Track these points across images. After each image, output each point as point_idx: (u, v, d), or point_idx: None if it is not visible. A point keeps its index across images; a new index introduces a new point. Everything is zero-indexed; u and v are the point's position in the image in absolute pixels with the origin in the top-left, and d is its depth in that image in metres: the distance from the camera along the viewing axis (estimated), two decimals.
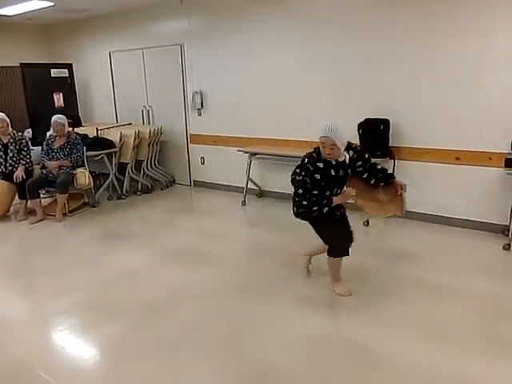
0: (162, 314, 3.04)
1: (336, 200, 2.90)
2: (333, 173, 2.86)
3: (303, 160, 2.95)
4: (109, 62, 7.25)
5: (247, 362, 2.47)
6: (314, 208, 2.86)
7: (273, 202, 5.69)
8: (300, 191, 2.88)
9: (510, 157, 3.88)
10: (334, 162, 2.87)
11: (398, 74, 4.57)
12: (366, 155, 3.12)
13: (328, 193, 2.88)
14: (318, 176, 2.82)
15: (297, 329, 2.79)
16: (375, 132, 4.68)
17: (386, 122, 4.64)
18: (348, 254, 3.05)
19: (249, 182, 5.75)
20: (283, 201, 5.63)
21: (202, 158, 6.57)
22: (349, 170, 3.00)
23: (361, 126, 4.76)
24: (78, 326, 2.95)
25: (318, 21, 4.97)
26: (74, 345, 2.79)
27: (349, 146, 3.00)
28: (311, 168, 2.84)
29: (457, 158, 4.40)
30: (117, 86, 7.32)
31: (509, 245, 3.92)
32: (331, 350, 2.56)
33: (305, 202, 2.87)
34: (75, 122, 6.75)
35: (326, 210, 2.87)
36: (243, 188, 5.73)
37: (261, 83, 5.63)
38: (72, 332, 2.89)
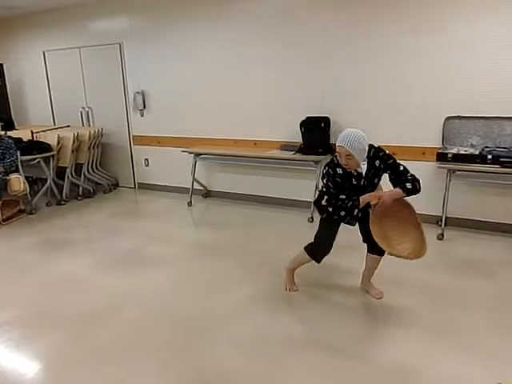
0: (103, 322, 2.94)
1: (364, 199, 2.69)
2: (354, 182, 2.72)
3: (324, 168, 2.79)
4: (43, 61, 6.93)
5: (194, 366, 2.45)
6: (342, 213, 2.71)
7: (219, 202, 5.68)
8: (325, 197, 2.75)
9: (440, 151, 4.11)
10: (354, 173, 2.71)
11: (338, 73, 4.72)
12: (401, 167, 2.71)
13: (354, 197, 2.70)
14: (338, 179, 2.69)
15: (246, 329, 2.80)
16: (316, 130, 4.80)
17: (326, 120, 4.77)
18: (319, 262, 3.00)
19: (194, 183, 5.70)
20: (229, 200, 5.65)
21: (146, 159, 6.44)
22: (376, 180, 2.77)
23: (303, 123, 4.87)
24: (15, 340, 2.79)
25: (259, 20, 5.02)
26: (11, 360, 2.63)
27: (375, 154, 2.72)
28: (331, 172, 2.70)
29: (392, 153, 4.58)
30: (53, 87, 7.01)
31: (442, 234, 4.16)
32: (270, 347, 2.60)
33: (330, 209, 2.74)
34: (7, 124, 6.39)
35: (355, 212, 2.69)
36: (189, 189, 5.67)
37: (204, 83, 5.61)
38: (8, 346, 2.73)
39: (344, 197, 2.68)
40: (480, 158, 3.89)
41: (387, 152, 2.75)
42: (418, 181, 2.68)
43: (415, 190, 2.66)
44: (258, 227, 4.67)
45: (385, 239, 2.74)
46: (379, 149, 2.75)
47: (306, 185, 5.07)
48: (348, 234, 2.98)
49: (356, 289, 3.23)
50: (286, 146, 5.05)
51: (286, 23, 4.87)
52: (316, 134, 4.81)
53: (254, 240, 4.31)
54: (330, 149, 4.78)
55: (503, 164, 3.78)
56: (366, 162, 2.69)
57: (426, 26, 4.19)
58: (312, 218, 4.79)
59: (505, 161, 3.77)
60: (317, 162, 4.74)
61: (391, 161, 2.72)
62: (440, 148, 4.23)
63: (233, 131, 5.51)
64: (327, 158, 4.79)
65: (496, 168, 3.80)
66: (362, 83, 4.61)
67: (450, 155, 4.01)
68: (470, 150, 4.04)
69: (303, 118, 4.88)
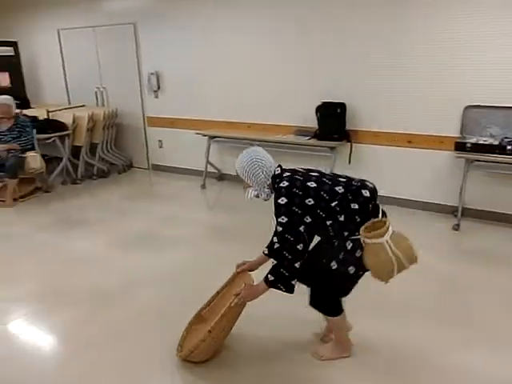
0: (117, 300, 3.00)
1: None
2: None
3: None
4: (58, 40, 6.91)
5: None
6: None
7: (232, 185, 5.68)
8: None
9: (459, 140, 4.05)
10: None
11: (355, 57, 4.63)
12: (278, 219, 2.07)
13: None
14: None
15: (259, 310, 2.82)
16: (332, 115, 4.75)
17: (342, 106, 4.71)
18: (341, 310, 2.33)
19: (208, 166, 5.71)
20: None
21: (160, 141, 6.44)
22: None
23: (318, 109, 4.82)
24: (31, 315, 2.86)
25: (275, 2, 4.93)
26: (29, 332, 2.72)
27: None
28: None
29: (409, 141, 4.55)
30: (68, 66, 7.00)
31: (458, 225, 4.13)
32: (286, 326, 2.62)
33: None
34: (23, 103, 6.41)
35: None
36: (203, 171, 5.68)
37: (218, 65, 5.55)
38: (24, 321, 2.81)
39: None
40: (499, 149, 3.83)
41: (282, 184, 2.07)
42: (281, 257, 2.05)
43: (277, 281, 2.07)
44: (272, 211, 4.66)
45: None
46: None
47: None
48: None
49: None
50: (300, 131, 5.01)
51: (301, 6, 4.78)
52: (332, 119, 4.76)
53: (267, 223, 4.31)
54: (345, 135, 4.74)
55: None
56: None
57: (449, 12, 4.08)
58: None
59: None
60: (332, 148, 4.71)
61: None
62: (459, 137, 4.17)
63: (248, 115, 5.47)
64: (343, 145, 4.77)
65: None
66: (380, 69, 4.52)
67: (468, 145, 3.95)
68: (490, 140, 3.98)
69: (319, 103, 4.83)
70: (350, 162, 4.84)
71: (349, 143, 4.78)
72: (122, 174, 6.40)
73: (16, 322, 2.80)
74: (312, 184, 2.05)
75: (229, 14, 5.28)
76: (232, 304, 2.19)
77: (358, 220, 2.02)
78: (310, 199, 2.01)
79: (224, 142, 5.57)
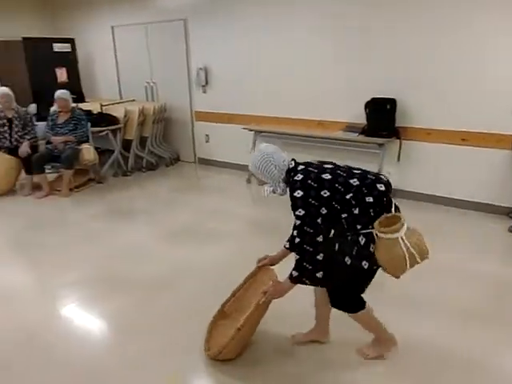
0: (164, 289, 3.10)
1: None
2: None
3: None
4: (112, 36, 7.15)
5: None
6: None
7: None
8: None
9: None
10: None
11: (407, 53, 4.51)
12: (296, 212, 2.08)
13: None
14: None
15: (295, 306, 2.83)
16: (382, 112, 4.65)
17: (392, 102, 4.60)
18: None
19: None
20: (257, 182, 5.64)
21: (207, 135, 6.54)
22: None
23: (367, 104, 4.73)
24: (85, 299, 3.01)
25: None
26: (81, 316, 2.86)
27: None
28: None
29: (463, 139, 4.38)
30: (120, 61, 7.24)
31: None
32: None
33: None
34: (79, 97, 6.70)
35: None
36: (248, 166, 5.70)
37: (267, 60, 5.56)
38: (79, 304, 2.96)
39: None
40: None
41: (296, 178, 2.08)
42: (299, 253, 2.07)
43: (302, 276, 2.09)
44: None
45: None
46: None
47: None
48: None
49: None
50: (349, 128, 4.94)
51: (351, 2, 4.68)
52: (381, 115, 4.66)
53: None
54: (395, 132, 4.63)
55: None
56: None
57: (502, 6, 3.87)
58: None
59: None
60: (381, 145, 4.61)
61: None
62: None
63: (295, 110, 5.45)
64: (392, 142, 4.66)
65: None
66: (432, 65, 4.37)
67: None
68: None
69: (368, 99, 4.73)
70: (398, 159, 4.73)
71: (398, 140, 4.66)
72: (170, 167, 6.56)
73: (69, 306, 2.95)
74: (327, 176, 2.04)
75: (278, 9, 5.26)
76: (260, 302, 2.20)
77: (372, 214, 2.00)
78: (325, 191, 2.01)
79: (270, 137, 5.58)
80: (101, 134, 5.73)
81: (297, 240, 2.06)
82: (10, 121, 5.18)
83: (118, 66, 7.28)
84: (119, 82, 7.37)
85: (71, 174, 5.20)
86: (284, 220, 4.29)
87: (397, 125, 4.63)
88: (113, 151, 6.02)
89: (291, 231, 2.24)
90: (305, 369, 2.30)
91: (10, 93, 5.19)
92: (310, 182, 2.02)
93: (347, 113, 5.00)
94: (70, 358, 2.43)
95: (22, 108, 5.37)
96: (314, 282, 2.13)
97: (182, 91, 6.54)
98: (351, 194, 2.01)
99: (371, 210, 2.00)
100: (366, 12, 4.64)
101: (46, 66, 6.91)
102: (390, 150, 4.72)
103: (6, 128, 5.17)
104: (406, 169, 4.80)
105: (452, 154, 4.47)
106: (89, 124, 5.43)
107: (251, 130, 5.57)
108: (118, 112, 6.05)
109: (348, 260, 2.03)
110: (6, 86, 5.43)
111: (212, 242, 3.86)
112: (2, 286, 3.17)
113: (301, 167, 2.12)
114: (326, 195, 2.01)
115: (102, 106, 6.23)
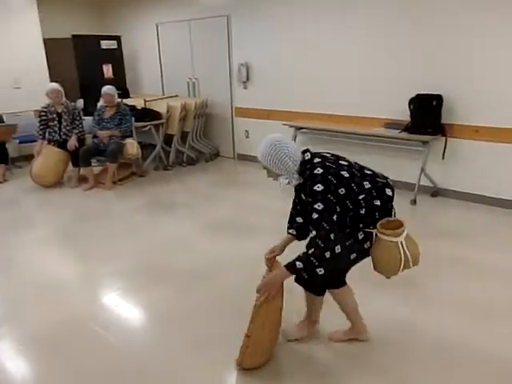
0: (204, 281, 3.15)
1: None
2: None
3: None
4: (156, 33, 7.30)
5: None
6: None
7: None
8: None
9: None
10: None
11: (454, 46, 4.34)
12: (314, 205, 1.98)
13: None
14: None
15: None
16: (427, 108, 4.51)
17: (438, 98, 4.45)
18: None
19: None
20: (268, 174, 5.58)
21: (247, 131, 6.57)
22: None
23: (412, 101, 4.60)
24: (128, 289, 3.11)
25: None
26: (124, 305, 2.96)
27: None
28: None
29: None
30: (163, 57, 7.39)
31: None
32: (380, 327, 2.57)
33: None
34: (124, 93, 6.89)
35: None
36: None
37: (308, 56, 5.51)
38: (122, 293, 3.06)
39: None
40: None
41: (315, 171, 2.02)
42: (316, 246, 1.97)
43: (305, 269, 2.02)
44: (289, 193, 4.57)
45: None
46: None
47: (411, 165, 4.80)
48: None
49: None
50: (391, 124, 4.82)
51: None
52: (426, 112, 4.52)
53: None
54: (440, 129, 4.48)
55: None
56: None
57: None
58: (415, 200, 4.57)
59: None
60: (425, 143, 4.48)
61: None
62: None
63: (336, 106, 5.37)
64: (437, 139, 4.52)
65: None
66: (482, 60, 4.19)
67: None
68: None
69: (412, 95, 4.60)
70: (443, 157, 4.58)
71: (443, 137, 4.51)
72: (209, 163, 6.65)
73: (110, 296, 3.05)
74: (345, 174, 2.04)
75: (319, 4, 5.20)
76: (258, 303, 2.09)
77: (377, 216, 2.07)
78: (342, 189, 2.01)
79: (310, 133, 5.55)
80: (144, 128, 5.88)
81: (313, 233, 2.00)
82: (59, 115, 5.41)
83: (162, 62, 7.43)
84: (162, 78, 7.53)
85: (115, 167, 5.37)
86: None
87: (443, 122, 4.48)
88: (155, 146, 6.16)
89: (292, 217, 2.32)
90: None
91: (60, 88, 5.41)
92: (330, 177, 1.99)
93: (388, 109, 4.88)
94: (112, 343, 2.52)
95: (71, 103, 5.58)
96: (312, 277, 2.10)
97: (222, 87, 6.60)
98: (363, 195, 2.04)
99: (377, 213, 2.07)
100: (410, 4, 4.51)
101: (94, 63, 7.16)
102: (434, 147, 4.58)
103: (55, 122, 5.40)
104: (451, 167, 4.64)
105: (501, 152, 4.28)
106: (133, 119, 5.58)
107: (291, 126, 5.54)
108: (160, 107, 6.19)
109: (338, 249, 1.98)
110: (56, 81, 5.68)
111: (251, 236, 3.89)
112: (50, 276, 3.32)
113: (317, 160, 2.07)
114: (342, 193, 2.01)
115: (145, 101, 6.39)
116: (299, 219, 2.29)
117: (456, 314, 2.67)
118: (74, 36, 7.00)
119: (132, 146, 5.38)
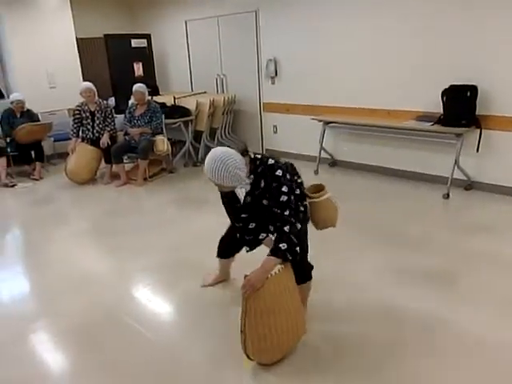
0: (235, 277, 3.16)
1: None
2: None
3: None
4: (185, 30, 7.37)
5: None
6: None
7: (345, 172, 5.58)
8: None
9: None
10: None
11: (490, 35, 4.19)
12: (284, 197, 2.18)
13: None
14: None
15: (370, 300, 2.78)
16: (461, 99, 4.38)
17: (473, 89, 4.31)
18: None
19: (321, 151, 5.67)
20: (356, 171, 5.52)
21: (275, 126, 6.56)
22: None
23: (445, 92, 4.48)
24: (160, 283, 3.17)
25: None
26: (156, 298, 3.02)
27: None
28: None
29: None
30: (192, 54, 7.45)
31: None
32: (400, 316, 2.53)
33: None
34: (154, 90, 7.00)
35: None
36: (316, 157, 5.67)
37: (337, 50, 5.44)
38: (154, 287, 3.12)
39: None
40: None
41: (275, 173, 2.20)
42: (292, 232, 2.11)
43: (290, 252, 2.10)
44: (385, 200, 4.49)
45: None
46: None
47: (443, 158, 4.68)
48: None
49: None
50: (422, 117, 4.71)
51: None
52: (460, 103, 4.39)
53: (380, 213, 4.16)
54: (474, 121, 4.34)
55: None
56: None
57: None
58: (448, 194, 4.45)
59: None
60: (458, 135, 4.35)
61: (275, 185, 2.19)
62: None
63: (365, 100, 5.29)
64: (471, 131, 4.39)
65: None
66: None
67: None
68: None
69: (446, 87, 4.47)
70: (478, 150, 4.44)
71: (478, 129, 4.37)
72: None
73: (141, 291, 3.11)
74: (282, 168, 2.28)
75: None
76: (245, 296, 2.06)
77: (300, 192, 2.39)
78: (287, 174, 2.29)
79: (339, 127, 5.48)
80: (174, 125, 5.96)
81: (286, 213, 2.15)
82: (92, 114, 5.55)
83: (190, 59, 7.50)
84: (191, 75, 7.59)
85: (146, 164, 5.47)
86: (354, 213, 4.22)
87: (477, 113, 4.35)
88: (184, 142, 6.24)
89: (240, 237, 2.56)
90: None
91: (93, 87, 5.55)
92: (287, 175, 2.27)
93: (420, 102, 4.77)
94: (146, 336, 2.58)
95: (103, 101, 5.72)
96: (294, 257, 2.15)
97: (251, 83, 6.60)
98: (296, 177, 2.42)
99: (303, 188, 2.44)
100: None
101: (125, 61, 7.29)
102: (468, 140, 4.45)
103: (88, 120, 5.55)
104: (485, 160, 4.50)
105: None
106: (163, 116, 5.66)
107: (320, 121, 5.50)
108: (189, 104, 6.25)
109: (298, 225, 2.17)
110: (89, 80, 5.82)
111: None
112: (84, 270, 3.41)
113: (269, 160, 2.26)
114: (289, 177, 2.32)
115: (175, 98, 6.46)
116: (252, 225, 2.44)
117: (490, 310, 2.59)
118: (105, 35, 7.15)
119: (162, 143, 5.46)
